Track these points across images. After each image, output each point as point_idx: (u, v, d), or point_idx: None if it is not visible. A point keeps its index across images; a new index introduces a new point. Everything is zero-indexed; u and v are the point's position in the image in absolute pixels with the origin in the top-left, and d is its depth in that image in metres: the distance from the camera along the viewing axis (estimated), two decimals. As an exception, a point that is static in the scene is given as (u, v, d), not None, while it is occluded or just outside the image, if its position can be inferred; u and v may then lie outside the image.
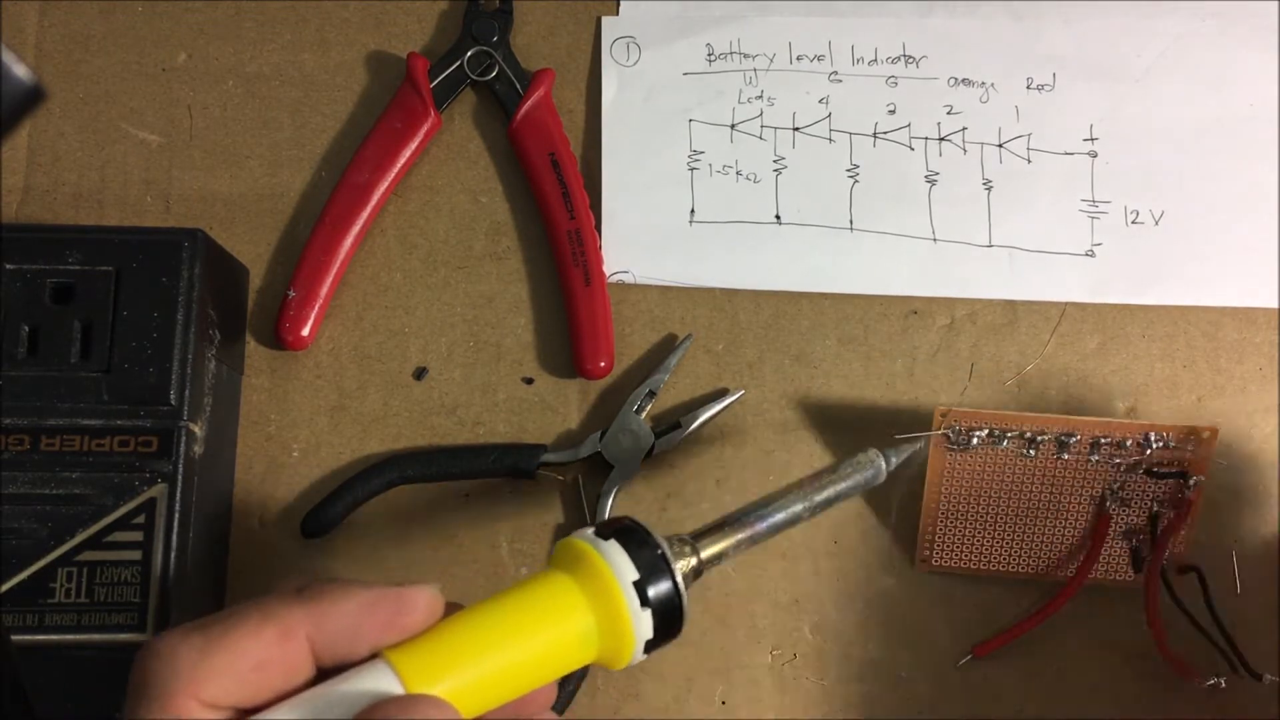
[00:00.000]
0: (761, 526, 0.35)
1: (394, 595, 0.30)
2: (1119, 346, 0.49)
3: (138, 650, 0.29)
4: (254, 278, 0.49)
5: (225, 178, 0.50)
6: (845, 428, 0.48)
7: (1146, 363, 0.49)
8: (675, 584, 0.31)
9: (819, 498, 0.36)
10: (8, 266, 0.41)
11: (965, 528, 0.46)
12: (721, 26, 0.51)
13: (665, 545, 0.32)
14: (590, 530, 0.32)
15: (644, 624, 0.31)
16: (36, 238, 0.42)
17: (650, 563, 0.31)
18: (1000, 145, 0.51)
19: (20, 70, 0.25)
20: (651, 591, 0.31)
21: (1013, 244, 0.50)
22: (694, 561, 0.33)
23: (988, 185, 0.50)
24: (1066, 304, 0.49)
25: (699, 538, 0.33)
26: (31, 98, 0.25)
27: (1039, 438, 0.45)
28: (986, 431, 0.45)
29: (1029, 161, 0.51)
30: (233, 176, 0.50)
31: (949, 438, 0.45)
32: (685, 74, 0.51)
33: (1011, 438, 0.45)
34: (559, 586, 0.31)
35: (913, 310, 0.49)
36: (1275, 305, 0.49)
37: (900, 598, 0.47)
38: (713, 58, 0.51)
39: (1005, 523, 0.46)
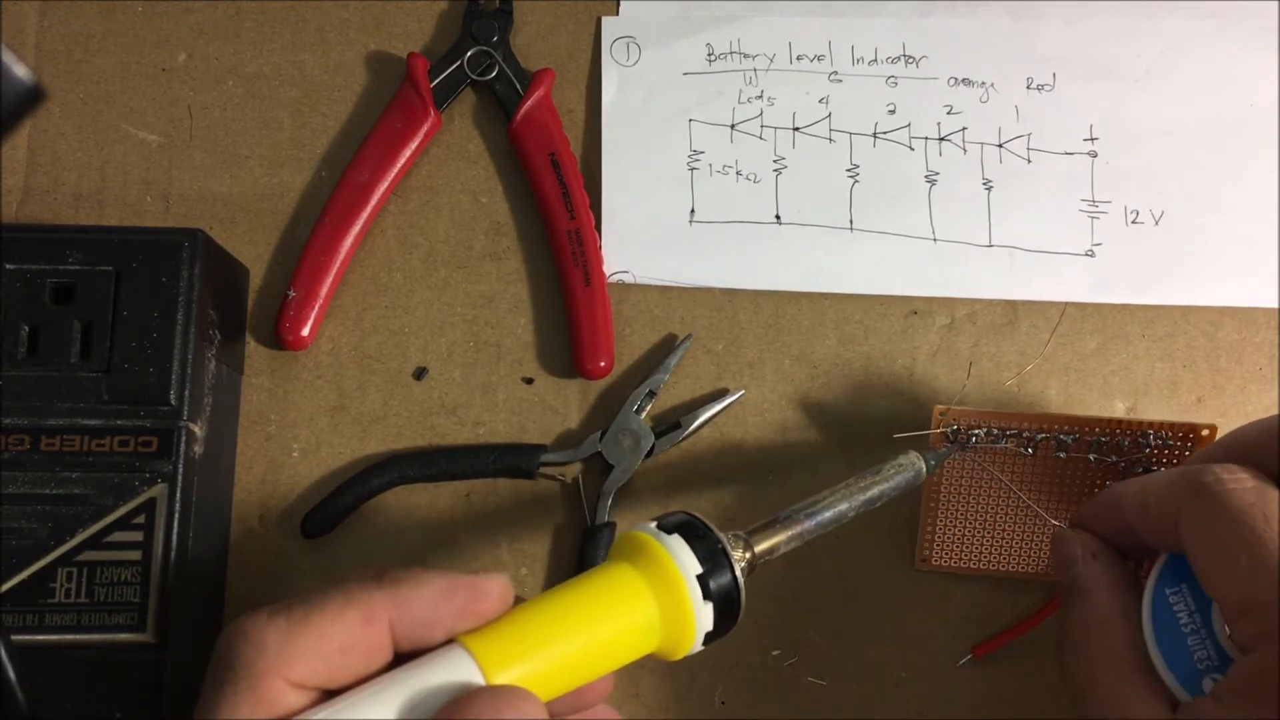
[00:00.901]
0: (810, 524, 0.36)
1: (469, 582, 0.31)
2: (1119, 346, 0.49)
3: (222, 632, 0.30)
4: (254, 278, 0.49)
5: (225, 178, 0.50)
6: (845, 428, 0.48)
7: (1146, 363, 0.49)
8: (735, 577, 0.32)
9: (863, 497, 0.38)
10: (8, 266, 0.41)
11: (965, 527, 0.46)
12: (721, 26, 0.51)
13: (725, 540, 0.33)
14: (653, 524, 0.33)
15: (705, 616, 0.32)
16: (36, 238, 0.42)
17: (711, 556, 0.32)
18: (1000, 145, 0.51)
19: (20, 70, 0.25)
20: (713, 584, 0.32)
21: (1013, 244, 0.50)
22: (749, 555, 0.34)
23: (988, 185, 0.50)
24: (1066, 304, 0.49)
25: (752, 534, 0.35)
26: (31, 98, 0.25)
27: (1039, 437, 0.45)
28: (986, 431, 0.45)
29: (1029, 161, 0.51)
30: (233, 176, 0.50)
31: (948, 437, 0.45)
32: (685, 74, 0.51)
33: (1011, 437, 0.45)
34: (625, 578, 0.31)
35: (913, 310, 0.49)
36: (1275, 305, 0.49)
37: (900, 598, 0.47)
38: (713, 58, 0.51)
39: (1005, 523, 0.46)
